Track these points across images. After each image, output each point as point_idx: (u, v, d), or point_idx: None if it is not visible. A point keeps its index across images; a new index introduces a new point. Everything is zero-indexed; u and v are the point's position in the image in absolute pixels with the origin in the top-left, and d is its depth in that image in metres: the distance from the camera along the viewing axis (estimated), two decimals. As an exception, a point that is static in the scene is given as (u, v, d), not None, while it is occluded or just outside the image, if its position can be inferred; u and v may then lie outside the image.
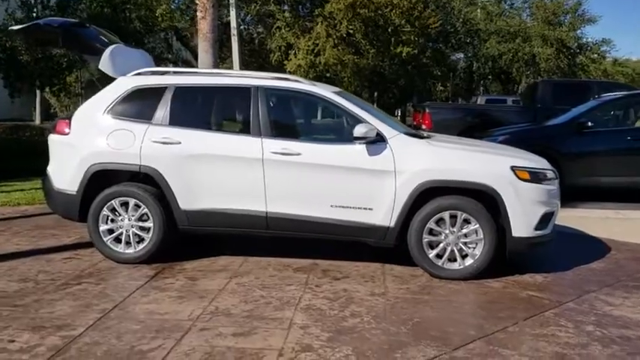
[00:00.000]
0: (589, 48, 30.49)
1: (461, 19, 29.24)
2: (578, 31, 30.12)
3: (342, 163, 4.93)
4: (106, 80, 5.64)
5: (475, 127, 11.08)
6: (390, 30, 17.90)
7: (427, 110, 11.98)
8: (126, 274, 4.92)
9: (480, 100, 21.42)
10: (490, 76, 34.88)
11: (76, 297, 4.33)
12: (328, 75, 16.11)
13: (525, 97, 14.22)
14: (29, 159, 12.90)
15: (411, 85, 20.31)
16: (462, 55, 33.14)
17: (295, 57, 16.65)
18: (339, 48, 16.55)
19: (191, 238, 5.73)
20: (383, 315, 4.08)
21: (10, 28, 8.77)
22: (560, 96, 11.79)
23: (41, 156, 11.08)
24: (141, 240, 5.16)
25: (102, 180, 5.18)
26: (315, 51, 16.59)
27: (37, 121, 25.52)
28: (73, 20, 6.33)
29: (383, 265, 5.25)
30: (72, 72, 19.14)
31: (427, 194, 4.87)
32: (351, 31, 16.82)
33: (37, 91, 24.02)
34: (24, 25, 5.38)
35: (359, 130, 4.82)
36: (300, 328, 3.82)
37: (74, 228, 6.32)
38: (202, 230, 5.30)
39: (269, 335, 3.70)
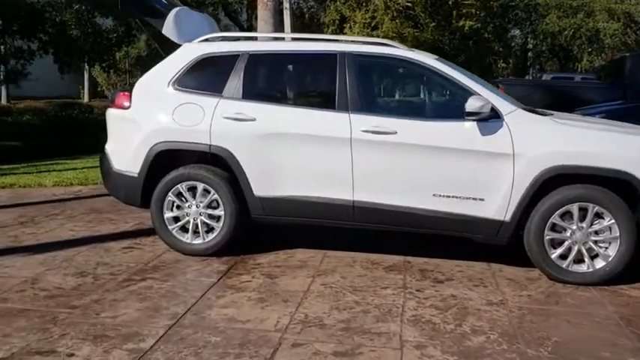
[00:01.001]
0: (660, 23, 28.40)
1: (519, -7, 27.61)
2: (649, 4, 28.05)
3: (448, 143, 4.14)
4: (166, 48, 4.99)
5: (550, 105, 10.03)
6: (450, 3, 16.76)
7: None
8: (195, 268, 4.30)
9: (546, 77, 20.05)
10: (545, 54, 33.04)
11: (141, 297, 3.72)
12: (385, 50, 15.19)
13: (608, 72, 12.95)
14: (79, 136, 12.60)
15: (471, 61, 19.14)
16: (518, 32, 31.48)
17: (351, 30, 15.73)
18: (397, 21, 15.54)
19: (261, 228, 5.07)
20: (512, 332, 3.32)
21: None
22: (655, 71, 10.57)
23: (91, 133, 10.60)
24: (210, 230, 4.52)
25: (166, 161, 4.55)
26: (372, 24, 15.63)
27: (86, 99, 25.56)
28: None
29: (489, 265, 4.47)
30: (120, 48, 18.77)
31: (550, 183, 4.06)
32: (410, 4, 15.76)
33: (86, 69, 23.91)
34: (80, -15, 4.76)
35: (472, 105, 4.00)
36: (414, 347, 3.10)
37: (131, 212, 5.77)
38: (279, 220, 4.61)
39: (378, 357, 2.99)
